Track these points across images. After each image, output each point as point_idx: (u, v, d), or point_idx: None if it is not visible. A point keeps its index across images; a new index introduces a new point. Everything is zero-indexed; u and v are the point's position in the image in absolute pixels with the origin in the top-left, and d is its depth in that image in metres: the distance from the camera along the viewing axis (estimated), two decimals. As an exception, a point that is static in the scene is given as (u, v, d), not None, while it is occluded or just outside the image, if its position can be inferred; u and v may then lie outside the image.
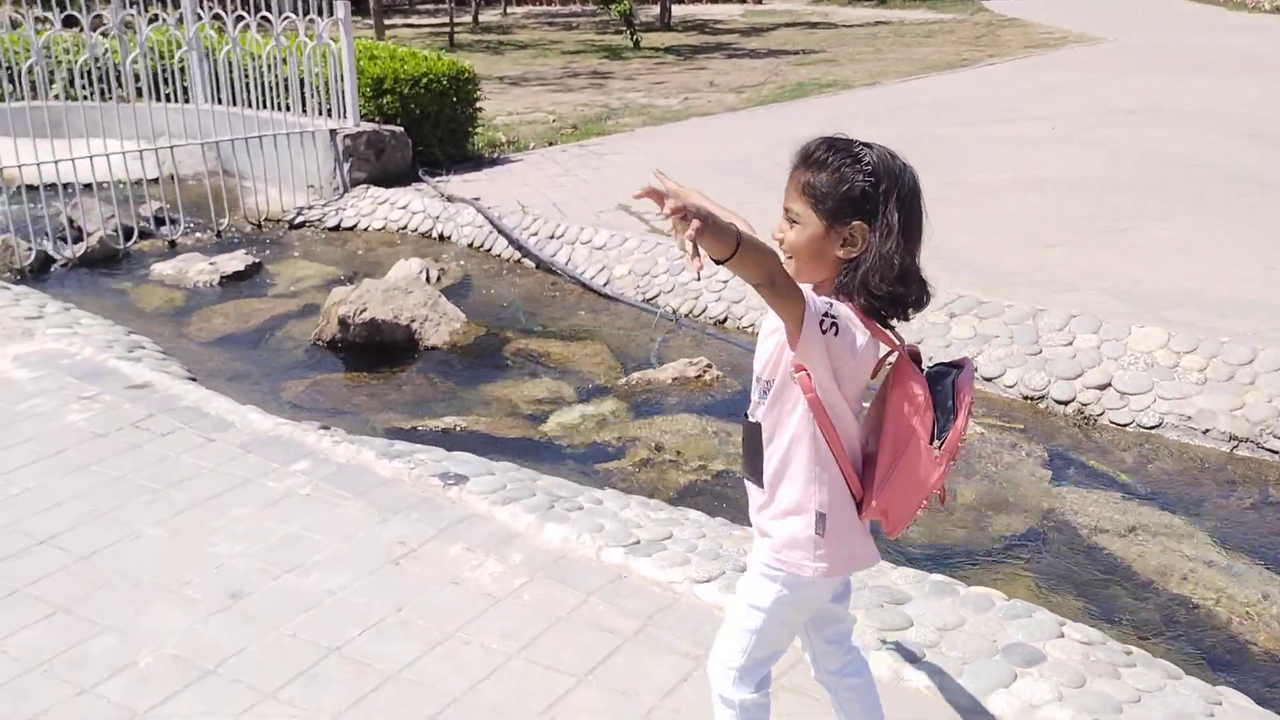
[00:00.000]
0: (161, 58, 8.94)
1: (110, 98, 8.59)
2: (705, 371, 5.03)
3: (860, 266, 1.79)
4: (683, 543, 3.25)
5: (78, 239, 7.22)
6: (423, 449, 3.93)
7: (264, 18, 8.22)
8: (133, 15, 8.22)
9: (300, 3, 8.25)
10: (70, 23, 8.68)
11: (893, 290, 1.78)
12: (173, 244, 7.55)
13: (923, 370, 1.87)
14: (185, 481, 3.64)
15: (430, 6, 29.87)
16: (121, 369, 4.66)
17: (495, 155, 9.53)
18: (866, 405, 1.93)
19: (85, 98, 8.78)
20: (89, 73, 8.63)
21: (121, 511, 3.44)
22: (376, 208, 8.00)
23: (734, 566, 3.08)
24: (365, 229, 7.87)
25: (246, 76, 8.50)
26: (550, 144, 10.16)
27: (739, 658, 2.00)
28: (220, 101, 8.78)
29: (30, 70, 7.46)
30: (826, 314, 1.74)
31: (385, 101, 8.68)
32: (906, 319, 1.85)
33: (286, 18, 8.24)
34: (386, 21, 25.79)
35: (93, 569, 3.11)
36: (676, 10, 26.56)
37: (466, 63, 9.43)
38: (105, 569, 3.11)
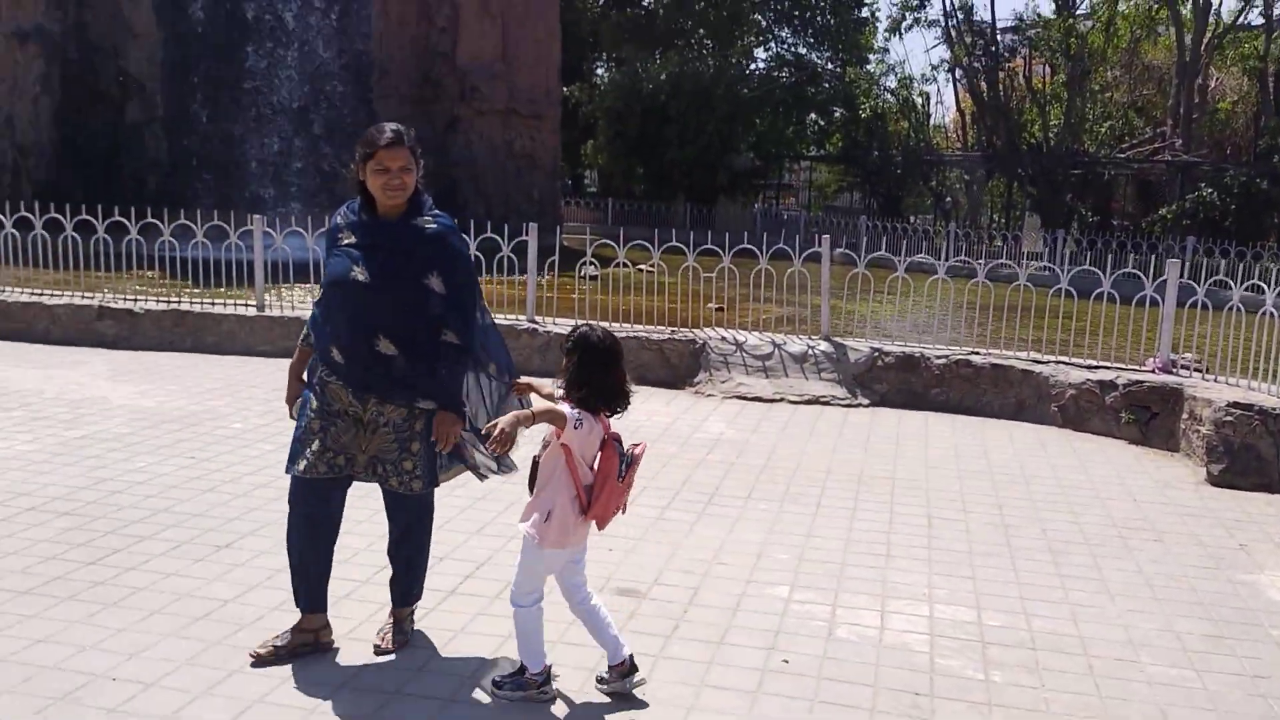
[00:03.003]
0: None
1: None
2: None
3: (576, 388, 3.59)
4: None
5: None
6: None
7: None
8: None
9: None
10: None
11: (583, 399, 3.58)
12: None
13: (618, 443, 3.64)
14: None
15: None
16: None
17: None
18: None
19: None
20: None
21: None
22: None
23: None
24: None
25: None
26: None
27: (515, 586, 3.67)
28: None
29: None
30: (579, 418, 3.53)
31: None
32: (614, 414, 3.66)
33: None
34: None
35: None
36: None
37: None
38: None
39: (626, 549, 5.25)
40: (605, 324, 9.71)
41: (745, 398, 9.02)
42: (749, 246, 9.99)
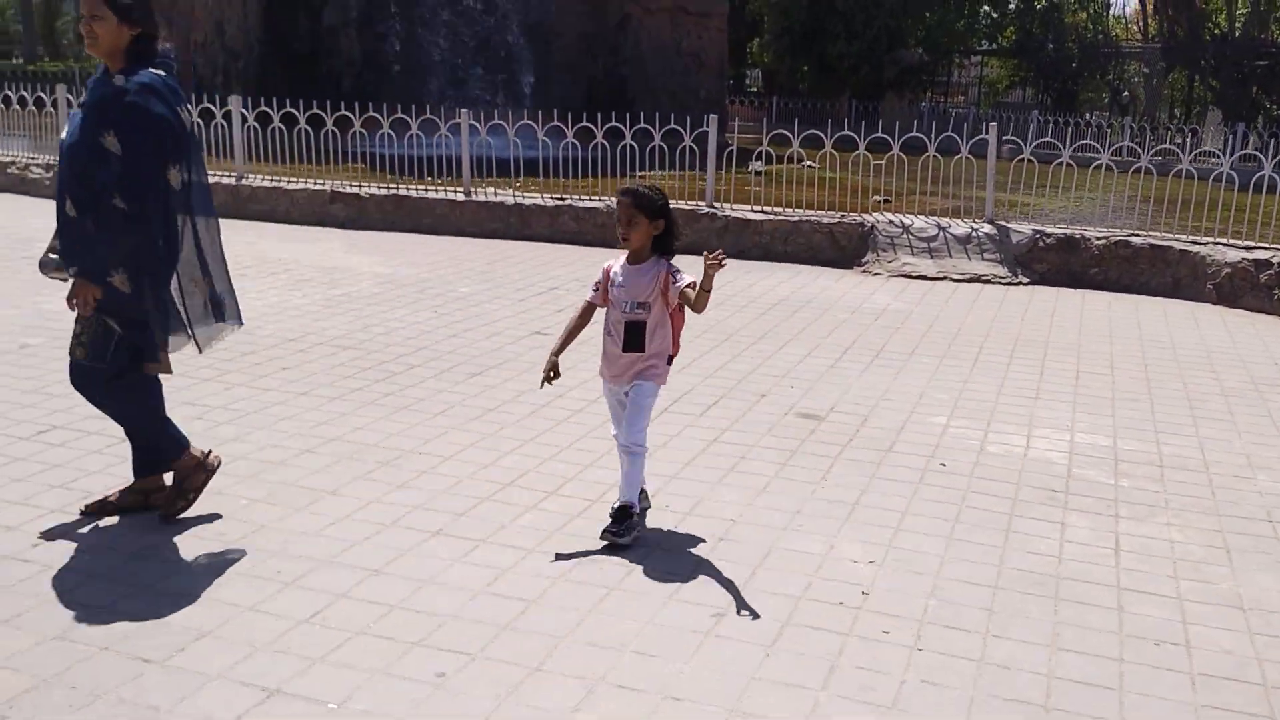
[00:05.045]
0: None
1: None
2: None
3: (664, 238, 4.01)
4: None
5: None
6: None
7: None
8: None
9: None
10: None
11: (674, 248, 4.05)
12: None
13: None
14: None
15: None
16: None
17: None
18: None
19: None
20: None
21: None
22: None
23: None
24: None
25: None
26: None
27: (638, 433, 4.03)
28: None
29: None
30: (676, 270, 4.00)
31: None
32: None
33: None
34: None
35: None
36: None
37: None
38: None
39: (805, 387, 6.18)
40: (776, 209, 10.64)
41: (910, 276, 9.74)
42: (918, 135, 10.57)
